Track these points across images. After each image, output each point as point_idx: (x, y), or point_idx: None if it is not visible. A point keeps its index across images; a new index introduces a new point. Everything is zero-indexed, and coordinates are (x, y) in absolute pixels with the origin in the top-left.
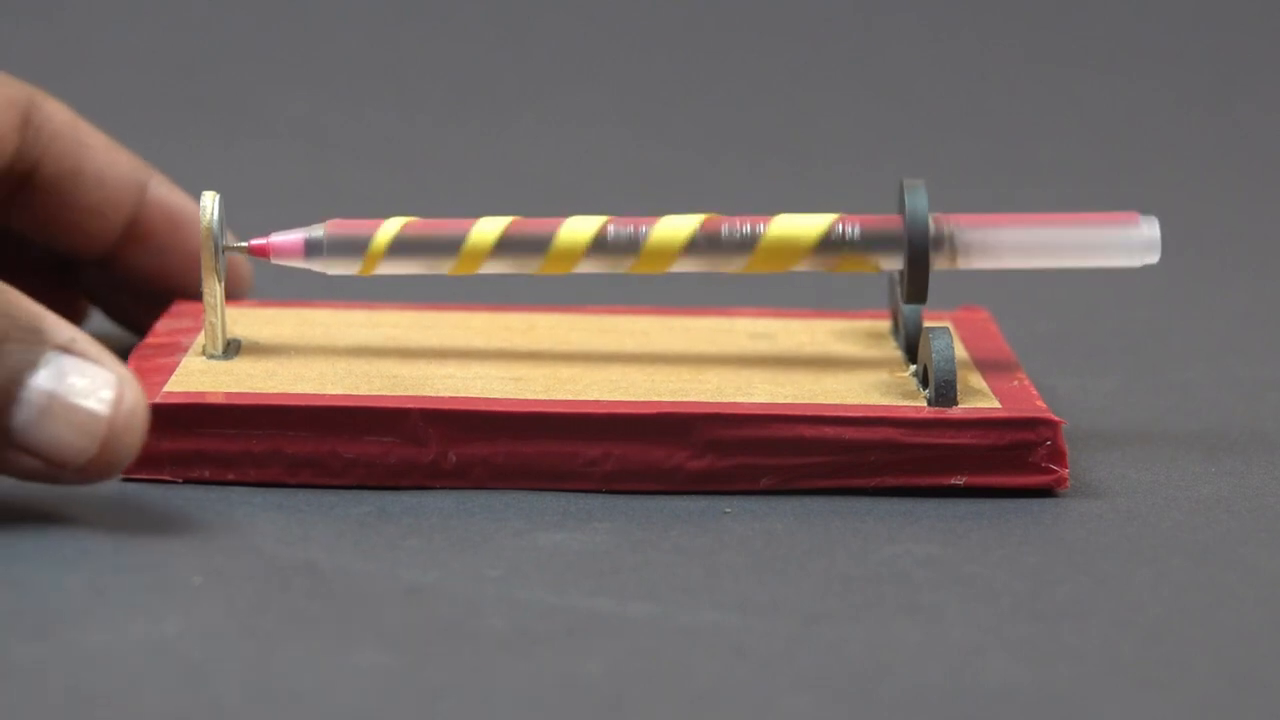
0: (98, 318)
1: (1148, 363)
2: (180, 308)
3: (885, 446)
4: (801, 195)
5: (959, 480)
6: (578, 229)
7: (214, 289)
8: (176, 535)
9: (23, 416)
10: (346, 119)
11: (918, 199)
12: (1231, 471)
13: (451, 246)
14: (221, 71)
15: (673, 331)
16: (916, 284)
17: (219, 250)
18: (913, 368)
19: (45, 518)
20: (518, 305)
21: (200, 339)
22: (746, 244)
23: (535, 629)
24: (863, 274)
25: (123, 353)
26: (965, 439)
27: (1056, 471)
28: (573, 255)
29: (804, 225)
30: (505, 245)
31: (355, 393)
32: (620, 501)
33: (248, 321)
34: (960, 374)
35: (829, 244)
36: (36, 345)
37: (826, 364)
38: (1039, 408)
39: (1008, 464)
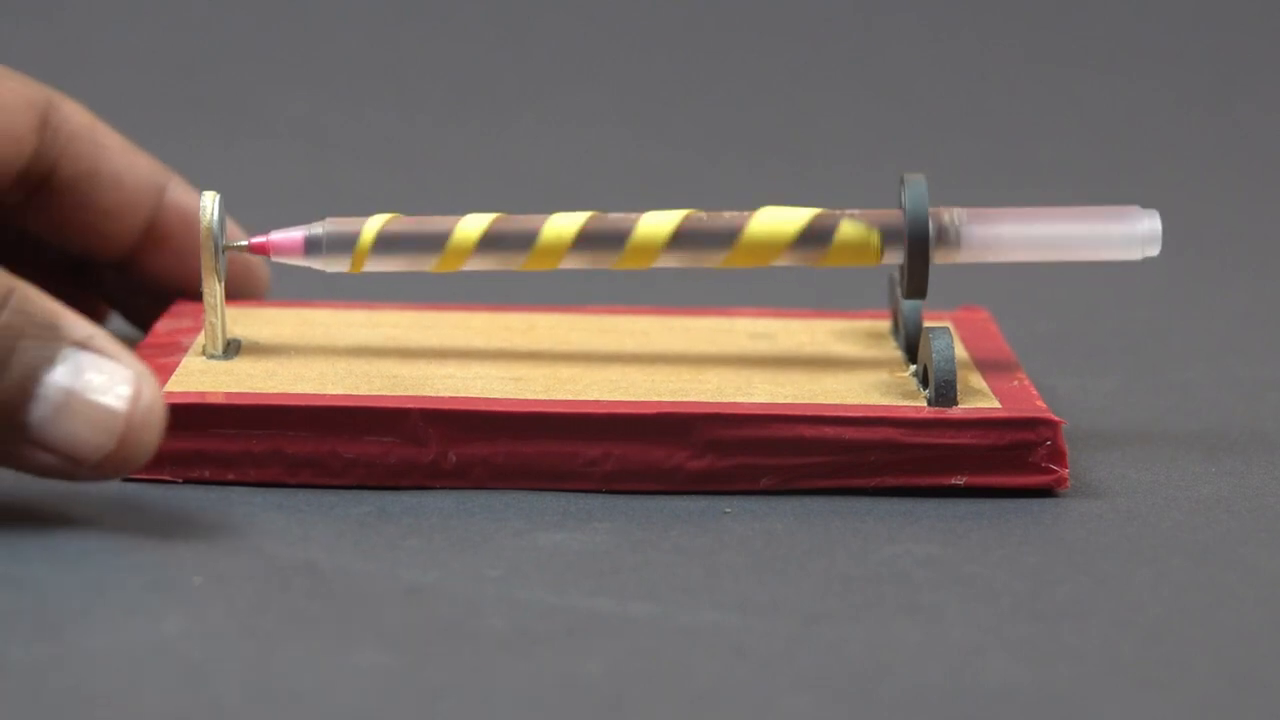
0: (116, 321)
1: (1148, 363)
2: (180, 308)
3: (885, 446)
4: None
5: (959, 480)
6: (561, 225)
7: (214, 289)
8: (176, 535)
9: (40, 413)
10: (346, 119)
11: (918, 192)
12: (1231, 471)
13: (436, 243)
14: (221, 71)
15: (673, 331)
16: (916, 278)
17: (219, 250)
18: (913, 368)
19: (45, 518)
20: (518, 305)
21: (200, 339)
22: (730, 238)
23: (535, 629)
24: (863, 274)
25: None
26: (965, 439)
27: (1056, 471)
28: (557, 251)
29: (787, 219)
30: (490, 241)
31: (355, 393)
32: (620, 501)
33: (248, 321)
34: (960, 374)
35: (810, 237)
36: (54, 342)
37: (826, 364)
38: (1039, 408)
39: (1008, 464)
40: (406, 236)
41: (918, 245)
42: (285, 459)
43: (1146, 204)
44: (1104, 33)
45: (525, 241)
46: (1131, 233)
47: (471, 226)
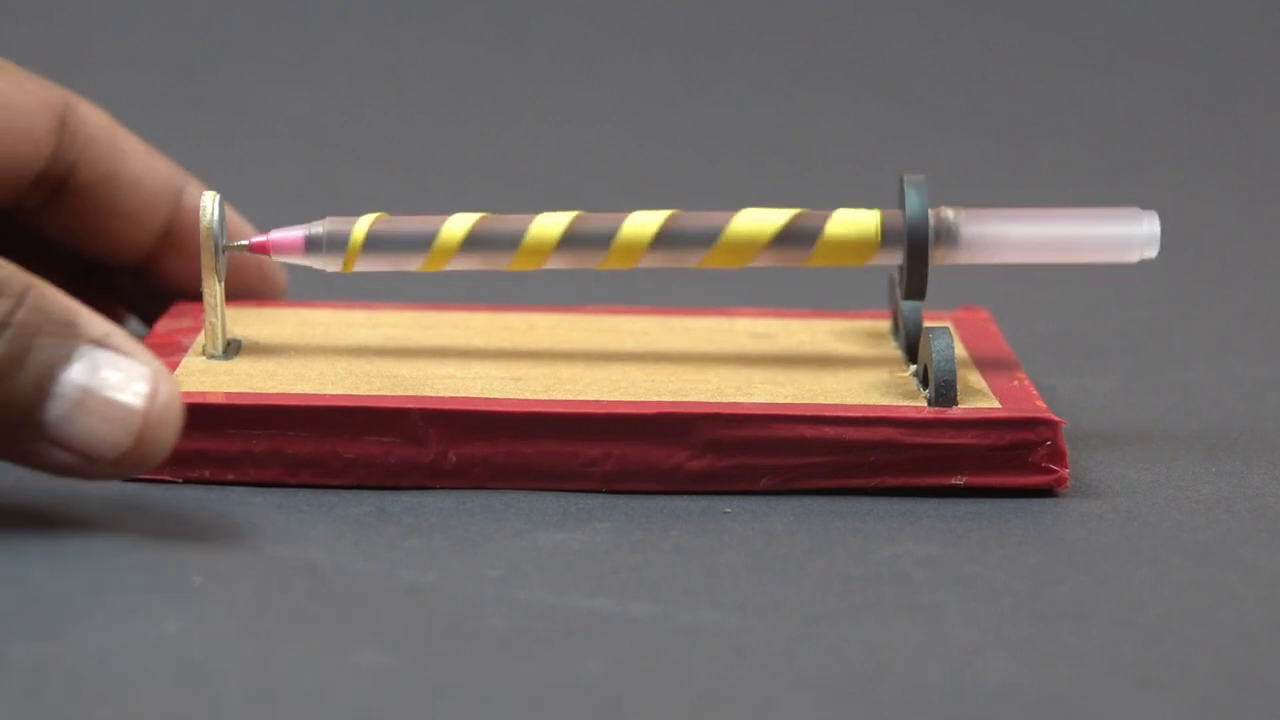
0: (132, 324)
1: (1148, 363)
2: (180, 308)
3: (885, 446)
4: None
5: (959, 480)
6: (546, 225)
7: (214, 289)
8: (176, 535)
9: (56, 411)
10: (346, 119)
11: (918, 193)
12: (1231, 471)
13: (423, 242)
14: (221, 71)
15: (673, 331)
16: (916, 279)
17: (219, 250)
18: (913, 368)
19: (45, 518)
20: (518, 305)
21: (200, 339)
22: (711, 238)
23: (535, 629)
24: (862, 274)
25: None
26: (965, 439)
27: (1057, 471)
28: (543, 251)
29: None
30: (476, 241)
31: (355, 393)
32: (620, 501)
33: (248, 321)
34: (960, 374)
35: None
36: (70, 339)
37: (826, 364)
38: (1039, 408)
39: (1008, 464)
40: (395, 236)
41: (917, 246)
42: (285, 459)
43: (1146, 204)
44: (1104, 33)
45: (511, 241)
46: (1130, 234)
47: (457, 226)
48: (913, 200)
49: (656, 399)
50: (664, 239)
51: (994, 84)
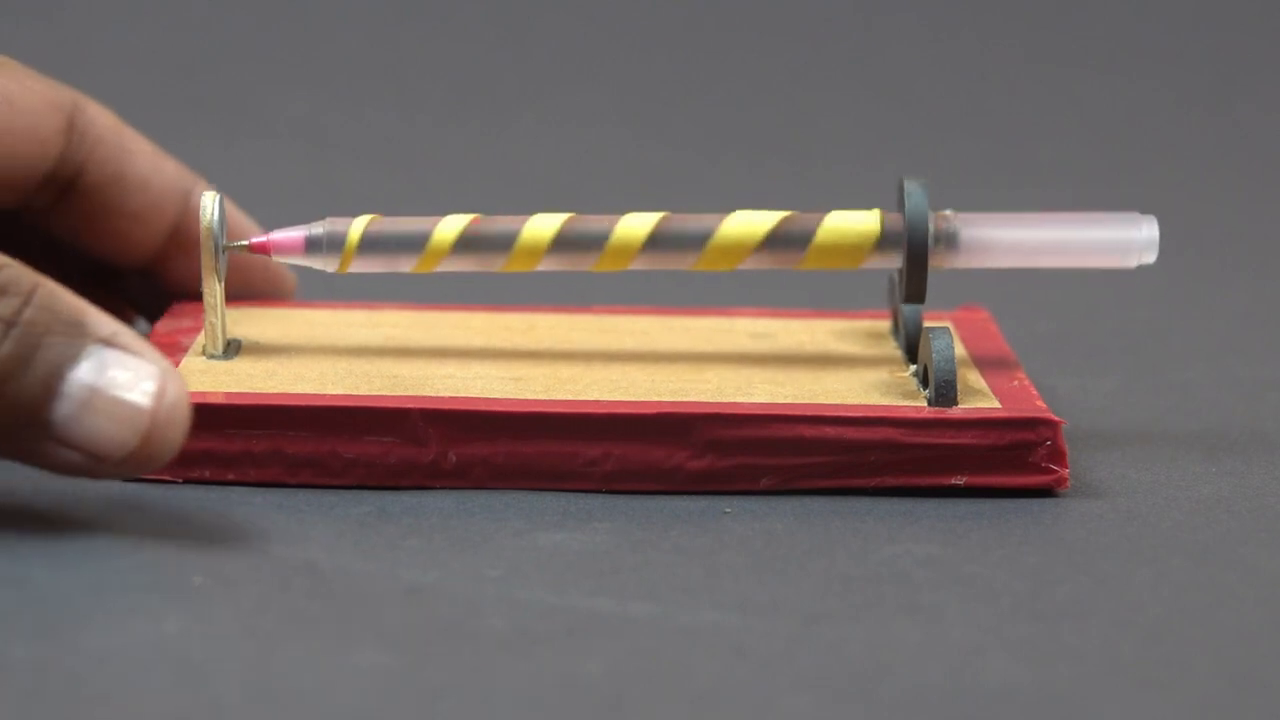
0: (140, 326)
1: (1148, 363)
2: (180, 308)
3: (886, 446)
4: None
5: (959, 480)
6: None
7: (214, 289)
8: (176, 535)
9: (64, 410)
10: (346, 119)
11: (917, 198)
12: (1231, 471)
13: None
14: (221, 71)
15: (673, 331)
16: (915, 283)
17: (219, 250)
18: (913, 368)
19: (45, 518)
20: (518, 305)
21: (200, 339)
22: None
23: (535, 629)
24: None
25: None
26: (966, 439)
27: (1057, 471)
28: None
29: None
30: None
31: (355, 393)
32: (620, 501)
33: (248, 322)
34: (960, 374)
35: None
36: (78, 339)
37: (826, 364)
38: (1039, 408)
39: (1008, 464)
40: (389, 237)
41: (917, 250)
42: (285, 459)
43: (1146, 204)
44: (1104, 33)
45: (504, 243)
46: (1129, 239)
47: (450, 228)
48: (913, 204)
49: (656, 399)
50: (656, 241)
51: (994, 84)
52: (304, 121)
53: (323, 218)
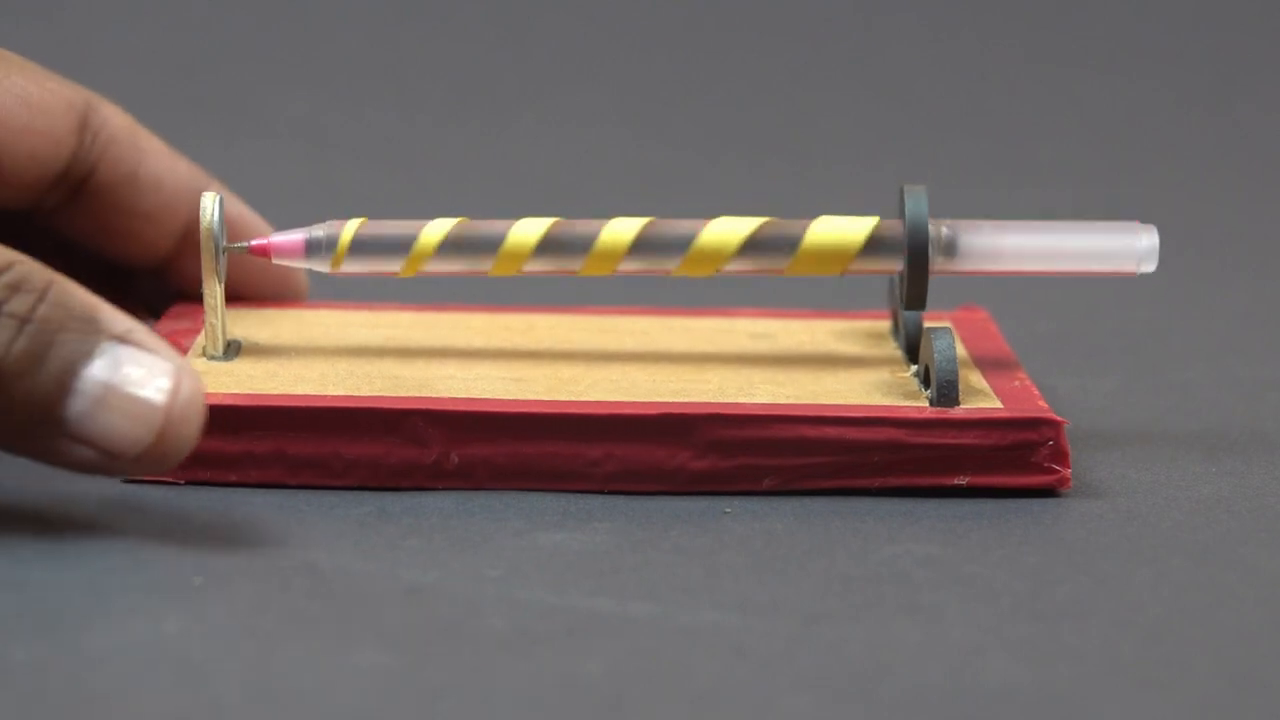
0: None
1: (1148, 363)
2: (180, 309)
3: (888, 447)
4: (802, 195)
5: (961, 480)
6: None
7: (214, 290)
8: (176, 535)
9: (78, 407)
10: (346, 119)
11: (918, 204)
12: (1231, 471)
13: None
14: (221, 71)
15: (673, 331)
16: (916, 289)
17: (219, 251)
18: (914, 368)
19: (45, 518)
20: (517, 306)
21: (200, 340)
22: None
23: (535, 629)
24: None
25: None
26: (968, 439)
27: (1059, 471)
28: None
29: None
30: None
31: (357, 394)
32: (620, 501)
33: (248, 322)
34: (961, 374)
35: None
36: (92, 335)
37: (827, 364)
38: (1041, 408)
39: (1010, 464)
40: (377, 240)
41: (918, 256)
42: (287, 460)
43: (1145, 204)
44: (1104, 33)
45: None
46: (1129, 248)
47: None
48: (913, 210)
49: (658, 399)
50: (642, 245)
51: (994, 84)
52: (304, 121)
53: (323, 219)
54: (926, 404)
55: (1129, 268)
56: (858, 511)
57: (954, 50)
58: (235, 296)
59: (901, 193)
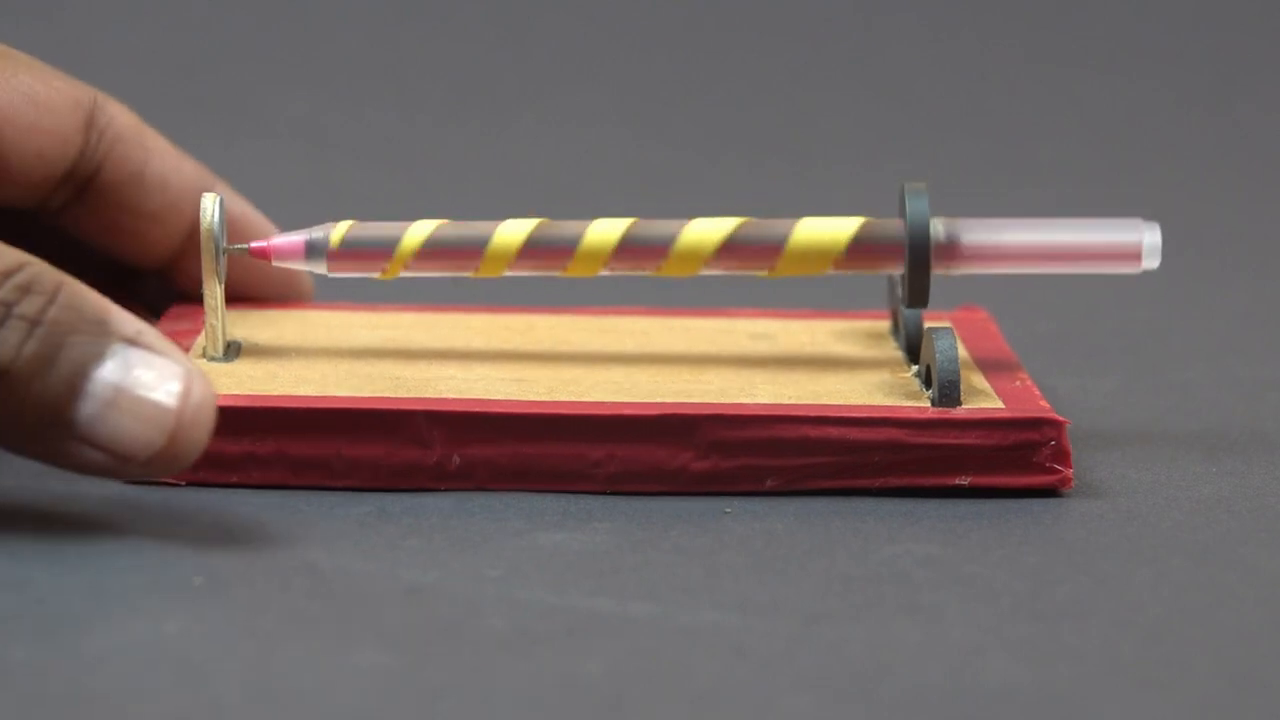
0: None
1: (1148, 363)
2: (180, 309)
3: (890, 447)
4: (802, 195)
5: (963, 480)
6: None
7: (214, 291)
8: (177, 535)
9: (88, 409)
10: (346, 119)
11: (919, 203)
12: (1231, 471)
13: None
14: (221, 71)
15: (673, 332)
16: (918, 288)
17: (219, 252)
18: (914, 368)
19: (45, 518)
20: (517, 306)
21: (200, 341)
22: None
23: (535, 629)
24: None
25: None
26: (970, 439)
27: (1061, 471)
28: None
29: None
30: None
31: (358, 395)
32: (620, 501)
33: (248, 323)
34: (962, 374)
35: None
36: (103, 338)
37: (828, 364)
38: (1043, 408)
39: (1012, 464)
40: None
41: (919, 255)
42: (289, 461)
43: (1146, 204)
44: (1104, 33)
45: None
46: (1133, 245)
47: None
48: (914, 209)
49: (660, 400)
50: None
51: (994, 84)
52: (304, 121)
53: (323, 219)
54: (928, 404)
55: (1133, 265)
56: (858, 511)
57: (954, 50)
58: (242, 297)
59: (902, 189)
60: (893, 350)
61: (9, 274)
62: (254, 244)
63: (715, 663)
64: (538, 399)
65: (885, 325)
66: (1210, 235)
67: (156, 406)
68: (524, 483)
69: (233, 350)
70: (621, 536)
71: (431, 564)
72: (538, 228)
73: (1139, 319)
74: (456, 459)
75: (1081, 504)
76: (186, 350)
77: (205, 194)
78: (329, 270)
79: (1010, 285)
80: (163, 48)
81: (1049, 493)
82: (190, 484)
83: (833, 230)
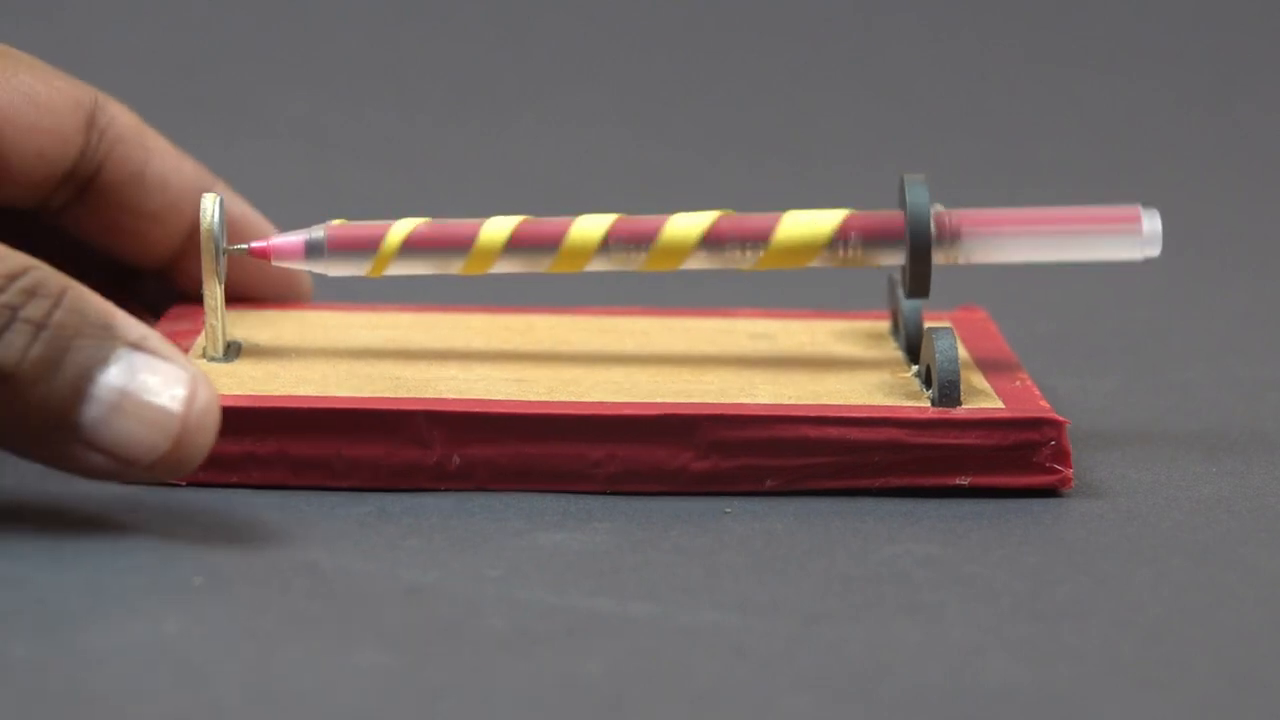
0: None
1: (1148, 363)
2: (179, 310)
3: (890, 447)
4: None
5: (964, 480)
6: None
7: (214, 291)
8: (176, 535)
9: (93, 413)
10: (346, 119)
11: (918, 193)
12: (1231, 471)
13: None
14: (221, 71)
15: (673, 332)
16: (918, 278)
17: (219, 252)
18: (914, 368)
19: (45, 518)
20: (516, 306)
21: (200, 341)
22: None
23: (535, 629)
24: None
25: None
26: (970, 439)
27: (1061, 471)
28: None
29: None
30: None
31: (358, 395)
32: (620, 501)
33: (248, 324)
34: (962, 374)
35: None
36: (108, 342)
37: (828, 364)
38: (1043, 408)
39: (1012, 464)
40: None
41: (919, 245)
42: (289, 461)
43: (1146, 202)
44: (1104, 33)
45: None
46: (1133, 233)
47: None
48: (914, 199)
49: (660, 400)
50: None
51: (994, 84)
52: (304, 121)
53: (323, 219)
54: (928, 404)
55: (1134, 253)
56: (857, 511)
57: (954, 50)
58: (242, 297)
59: (901, 180)
60: (893, 350)
61: (14, 277)
62: (254, 244)
63: (715, 663)
64: (538, 399)
65: (885, 325)
66: (1210, 235)
67: (161, 411)
68: (524, 483)
69: (233, 350)
70: (621, 536)
71: (431, 564)
72: (521, 224)
73: (1139, 319)
74: (456, 459)
75: (1081, 504)
76: (186, 351)
77: (205, 194)
78: (327, 270)
79: (1010, 285)
80: (163, 48)
81: (1049, 493)
82: (190, 484)
83: (816, 223)
